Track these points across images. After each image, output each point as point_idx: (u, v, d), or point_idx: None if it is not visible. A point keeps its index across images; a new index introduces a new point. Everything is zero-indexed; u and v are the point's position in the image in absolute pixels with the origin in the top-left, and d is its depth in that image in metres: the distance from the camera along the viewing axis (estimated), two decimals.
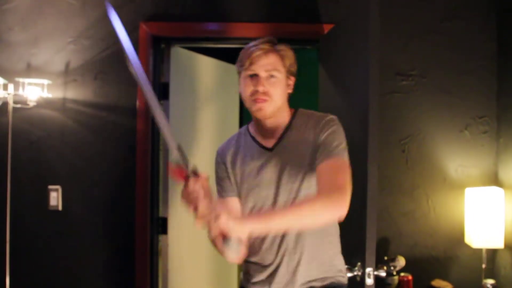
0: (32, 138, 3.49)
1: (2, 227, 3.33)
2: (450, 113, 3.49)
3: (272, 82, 2.07)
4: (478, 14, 3.50)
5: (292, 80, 2.18)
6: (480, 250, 3.29)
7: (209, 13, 3.50)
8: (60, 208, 3.48)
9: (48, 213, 3.49)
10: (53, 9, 3.50)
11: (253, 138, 2.21)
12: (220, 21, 3.50)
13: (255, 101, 2.07)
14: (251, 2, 3.49)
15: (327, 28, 3.40)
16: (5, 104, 3.32)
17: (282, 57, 2.11)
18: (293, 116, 2.19)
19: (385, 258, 3.31)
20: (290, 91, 2.18)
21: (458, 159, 3.48)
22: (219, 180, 2.26)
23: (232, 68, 4.66)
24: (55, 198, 3.47)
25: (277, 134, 2.15)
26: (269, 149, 2.15)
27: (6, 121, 3.34)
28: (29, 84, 3.35)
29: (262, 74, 2.06)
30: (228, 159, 2.24)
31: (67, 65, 3.49)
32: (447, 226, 3.47)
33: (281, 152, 2.13)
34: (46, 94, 3.40)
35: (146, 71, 3.47)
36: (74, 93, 3.49)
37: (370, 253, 2.39)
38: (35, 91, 3.36)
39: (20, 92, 3.33)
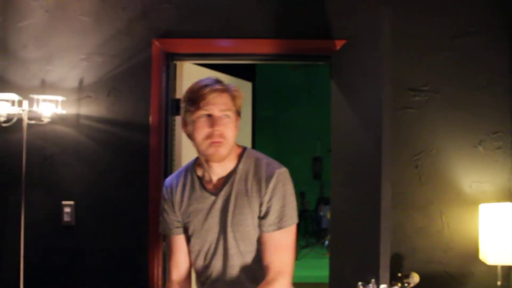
0: (46, 154, 3.51)
1: (17, 243, 3.34)
2: (464, 129, 3.47)
3: (225, 123, 2.05)
4: (490, 30, 3.49)
5: (238, 121, 2.15)
6: (495, 266, 3.26)
7: (221, 30, 3.53)
8: (73, 223, 3.49)
9: (61, 229, 3.50)
10: (66, 27, 3.54)
11: (199, 178, 2.21)
12: (232, 38, 3.52)
13: (211, 144, 2.04)
14: (263, 19, 3.51)
15: (339, 44, 3.40)
16: (20, 120, 3.35)
17: (233, 97, 2.09)
18: (239, 160, 2.17)
19: (399, 274, 3.27)
20: (237, 131, 2.15)
21: (472, 175, 3.46)
22: (166, 216, 2.28)
23: (244, 83, 4.72)
24: (69, 213, 3.48)
25: (222, 179, 2.15)
26: (214, 193, 2.15)
27: (20, 137, 3.36)
28: (44, 100, 3.37)
29: (217, 113, 2.04)
30: (176, 198, 2.24)
31: (81, 82, 3.51)
32: (462, 242, 3.44)
33: (226, 197, 2.13)
34: (60, 111, 3.42)
35: (159, 87, 3.50)
36: (88, 109, 3.51)
37: (384, 270, 2.37)
38: (49, 107, 3.39)
39: (35, 108, 3.36)
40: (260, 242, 2.11)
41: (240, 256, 2.14)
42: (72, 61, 3.53)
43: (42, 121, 3.38)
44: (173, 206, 2.24)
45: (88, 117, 3.51)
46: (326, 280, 3.63)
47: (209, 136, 2.03)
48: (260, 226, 2.10)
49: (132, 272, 3.49)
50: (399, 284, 2.82)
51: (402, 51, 3.44)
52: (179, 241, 2.26)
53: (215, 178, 2.16)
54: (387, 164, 2.44)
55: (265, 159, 2.17)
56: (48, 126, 3.47)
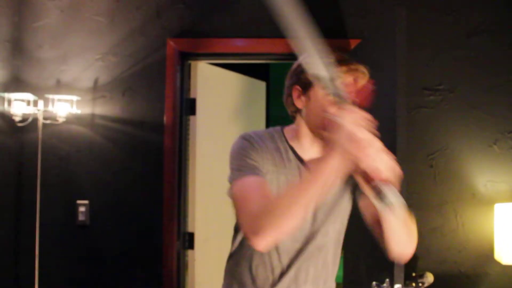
0: (61, 153, 3.53)
1: (32, 242, 3.37)
2: (478, 128, 3.45)
3: None
4: (505, 28, 3.47)
5: None
6: (510, 266, 3.24)
7: (235, 29, 3.53)
8: (88, 223, 3.51)
9: (76, 228, 3.52)
10: (81, 27, 3.56)
11: (290, 147, 1.90)
12: (246, 37, 3.53)
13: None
14: (277, 18, 3.50)
15: (353, 43, 3.40)
16: (35, 120, 3.37)
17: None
18: None
19: (413, 274, 3.27)
20: None
21: (487, 174, 3.44)
22: (252, 162, 1.81)
23: (258, 83, 4.72)
24: (83, 213, 3.50)
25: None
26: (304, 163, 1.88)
27: (36, 136, 3.39)
28: (59, 100, 3.39)
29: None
30: (267, 156, 1.85)
31: (96, 82, 3.53)
32: (476, 242, 3.42)
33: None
34: (75, 110, 3.44)
35: (174, 87, 3.50)
36: (103, 109, 3.53)
37: (399, 270, 2.37)
38: (64, 107, 3.41)
39: (50, 108, 3.38)
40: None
41: None
42: (87, 61, 3.55)
43: (57, 121, 3.40)
44: (262, 160, 1.84)
45: (103, 117, 3.53)
46: (340, 280, 3.61)
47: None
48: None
49: (146, 271, 3.50)
50: (414, 284, 2.81)
51: (416, 50, 3.42)
52: (266, 183, 1.79)
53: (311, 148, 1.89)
54: (402, 163, 2.43)
55: None
56: (63, 126, 3.49)
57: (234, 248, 2.01)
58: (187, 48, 3.55)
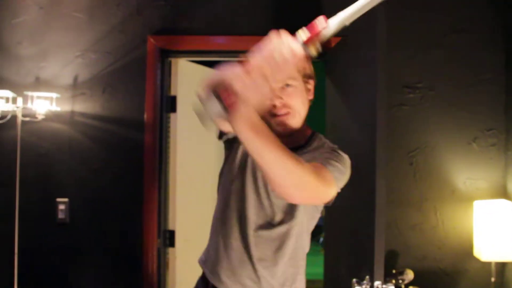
0: (40, 151, 3.51)
1: (11, 240, 3.34)
2: (458, 126, 3.48)
3: (289, 93, 1.87)
4: (485, 27, 3.50)
5: (311, 84, 1.98)
6: (489, 263, 3.27)
7: (216, 27, 3.52)
8: (68, 220, 3.49)
9: (56, 226, 3.50)
10: (61, 23, 3.53)
11: None
12: (227, 35, 3.52)
13: (275, 116, 1.86)
14: (257, 15, 3.51)
15: (334, 41, 3.39)
16: (14, 117, 3.34)
17: None
18: (309, 139, 2.01)
19: (394, 271, 3.28)
20: (311, 97, 1.99)
21: (466, 172, 3.47)
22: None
23: None
24: (63, 211, 3.48)
25: None
26: None
27: (15, 134, 3.36)
28: (38, 97, 3.36)
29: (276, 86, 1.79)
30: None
31: (75, 79, 3.50)
32: (456, 239, 3.46)
33: None
34: (55, 108, 3.41)
35: (154, 84, 3.49)
36: (82, 106, 3.51)
37: (379, 266, 2.38)
38: (43, 104, 3.38)
39: (29, 105, 3.35)
40: None
41: None
42: (67, 58, 3.52)
43: (36, 118, 3.37)
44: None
45: (82, 114, 3.50)
46: (321, 277, 3.63)
47: (270, 109, 1.85)
48: None
49: (127, 269, 3.48)
50: (394, 281, 2.83)
51: (396, 48, 3.44)
52: None
53: None
54: (382, 160, 2.45)
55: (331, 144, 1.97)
56: (43, 123, 3.46)
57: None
58: (167, 45, 3.54)
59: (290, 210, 1.96)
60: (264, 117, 1.67)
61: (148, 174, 3.48)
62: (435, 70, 3.50)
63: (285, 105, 1.86)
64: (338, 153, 1.86)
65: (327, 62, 3.48)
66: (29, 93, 3.35)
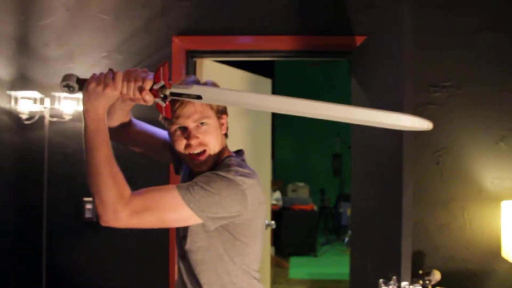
0: (67, 151, 3.54)
1: (39, 240, 3.38)
2: (485, 125, 3.44)
3: (204, 131, 1.92)
4: None
5: (224, 119, 2.02)
6: None
7: (240, 27, 3.52)
8: (95, 219, 3.51)
9: (83, 225, 3.53)
10: (87, 25, 3.56)
11: None
12: (252, 34, 3.52)
13: (192, 157, 1.93)
14: (282, 15, 3.50)
15: (359, 40, 3.38)
16: (42, 118, 3.39)
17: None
18: (216, 165, 1.97)
19: (420, 272, 3.25)
20: (225, 131, 2.03)
21: (494, 171, 3.43)
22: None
23: (263, 80, 4.72)
24: (90, 210, 3.51)
25: None
26: None
27: (42, 134, 3.40)
28: (65, 98, 3.41)
29: (191, 125, 1.92)
30: None
31: None
32: (484, 240, 3.42)
33: None
34: (81, 108, 3.44)
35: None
36: None
37: (406, 267, 2.37)
38: (70, 105, 3.42)
39: (56, 106, 3.40)
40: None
41: None
42: (93, 59, 3.56)
43: (63, 118, 3.42)
44: None
45: None
46: (347, 277, 3.62)
47: (186, 147, 1.93)
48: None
49: (152, 270, 3.50)
50: (421, 282, 2.80)
51: (423, 47, 3.41)
52: None
53: None
54: (409, 160, 2.43)
55: (231, 166, 1.91)
56: (70, 124, 3.50)
57: None
58: (192, 46, 3.55)
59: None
60: (183, 157, 1.99)
61: (175, 175, 3.49)
62: (462, 69, 3.46)
63: (200, 143, 1.92)
64: (218, 175, 1.83)
65: (352, 61, 3.46)
66: (56, 94, 3.39)
